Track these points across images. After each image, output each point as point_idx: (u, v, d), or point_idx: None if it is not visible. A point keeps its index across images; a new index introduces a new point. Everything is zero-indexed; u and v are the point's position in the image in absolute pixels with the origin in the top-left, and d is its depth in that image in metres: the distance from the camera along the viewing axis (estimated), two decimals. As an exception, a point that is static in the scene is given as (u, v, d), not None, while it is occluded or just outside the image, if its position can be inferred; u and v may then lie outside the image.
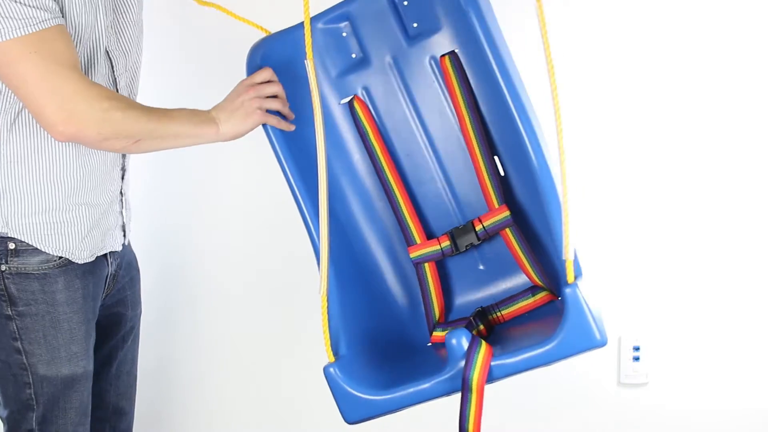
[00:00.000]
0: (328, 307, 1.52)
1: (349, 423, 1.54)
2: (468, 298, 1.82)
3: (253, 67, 1.71)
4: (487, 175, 1.75)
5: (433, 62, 1.80)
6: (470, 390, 1.46)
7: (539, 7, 1.49)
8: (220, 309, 2.44)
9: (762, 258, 2.34)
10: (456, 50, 1.77)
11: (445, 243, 1.78)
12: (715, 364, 2.37)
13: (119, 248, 1.76)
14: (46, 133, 1.57)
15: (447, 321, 1.79)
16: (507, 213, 1.75)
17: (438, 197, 1.82)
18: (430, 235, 1.82)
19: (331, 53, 1.79)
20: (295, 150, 1.68)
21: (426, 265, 1.79)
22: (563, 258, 1.47)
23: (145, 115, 1.56)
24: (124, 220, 1.78)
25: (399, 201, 1.79)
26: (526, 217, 1.77)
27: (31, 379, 1.60)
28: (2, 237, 1.57)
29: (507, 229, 1.75)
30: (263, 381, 2.45)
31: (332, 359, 1.53)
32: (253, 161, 2.23)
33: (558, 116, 1.46)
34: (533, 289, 1.75)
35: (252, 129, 1.67)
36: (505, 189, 1.77)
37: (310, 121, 1.50)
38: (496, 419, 2.40)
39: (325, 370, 1.53)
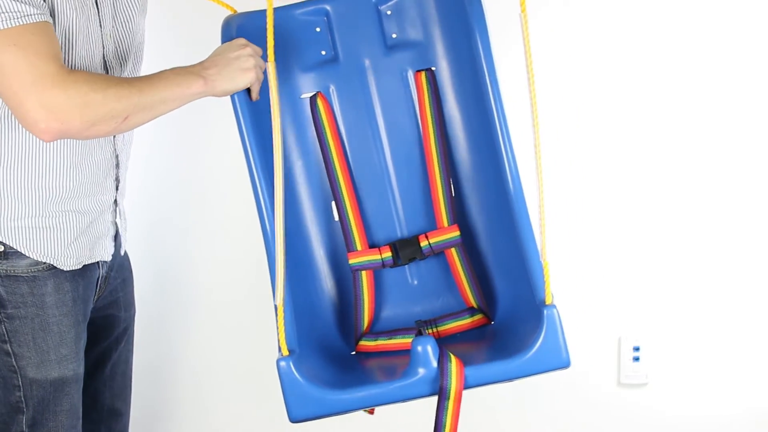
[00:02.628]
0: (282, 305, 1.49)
1: (294, 420, 1.50)
2: (396, 311, 1.81)
3: (228, 37, 1.67)
4: (442, 193, 1.76)
5: (405, 74, 1.79)
6: (447, 398, 1.46)
7: (523, 15, 1.49)
8: (216, 309, 2.44)
9: (762, 259, 2.33)
10: (434, 68, 1.77)
11: (387, 254, 1.77)
12: (715, 365, 2.36)
13: (109, 258, 1.73)
14: (34, 137, 1.55)
15: (373, 332, 1.77)
16: (457, 233, 1.76)
17: (385, 208, 1.81)
18: (371, 244, 1.80)
19: (302, 45, 1.76)
20: (258, 134, 1.63)
21: (363, 273, 1.77)
22: (540, 260, 1.53)
23: (125, 90, 1.49)
24: (119, 230, 1.76)
25: (346, 205, 1.77)
26: (474, 239, 1.78)
27: (20, 382, 1.60)
28: None
29: (453, 249, 1.76)
30: (259, 381, 2.45)
31: (286, 353, 1.50)
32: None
33: (535, 117, 1.46)
34: (471, 310, 1.75)
35: (245, 87, 1.60)
36: (455, 210, 1.78)
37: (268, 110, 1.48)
38: (495, 419, 2.40)
39: (278, 363, 1.49)
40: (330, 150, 1.78)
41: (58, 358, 1.61)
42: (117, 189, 1.73)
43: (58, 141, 1.57)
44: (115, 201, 1.73)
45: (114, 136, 1.67)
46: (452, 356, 1.48)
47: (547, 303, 1.51)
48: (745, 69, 2.27)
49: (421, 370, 1.48)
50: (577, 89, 2.29)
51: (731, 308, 2.34)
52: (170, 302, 2.44)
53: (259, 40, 1.65)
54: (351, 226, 1.77)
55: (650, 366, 2.36)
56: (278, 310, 1.48)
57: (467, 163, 1.77)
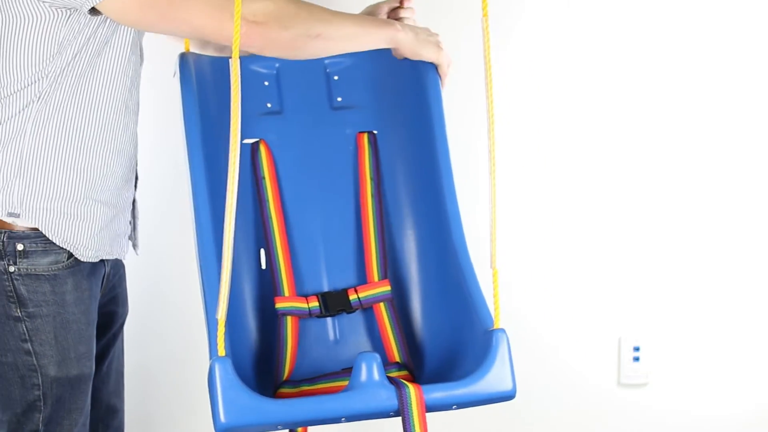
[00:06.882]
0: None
1: (222, 429, 1.39)
2: (317, 363, 1.75)
3: (187, 71, 1.68)
4: (375, 248, 1.76)
5: (347, 133, 1.81)
6: (412, 425, 1.40)
7: (485, 19, 1.49)
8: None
9: (761, 258, 2.35)
10: (376, 131, 1.80)
11: (314, 303, 1.74)
12: (715, 365, 2.38)
13: (124, 257, 1.74)
14: (80, 117, 1.56)
15: (292, 380, 1.71)
16: (387, 287, 1.74)
17: (316, 259, 1.79)
18: (299, 293, 1.77)
19: (249, 94, 1.80)
20: (209, 159, 1.64)
21: (289, 318, 1.73)
22: (491, 267, 1.49)
23: (317, 9, 1.57)
24: (135, 231, 1.76)
25: (278, 251, 1.76)
26: (403, 294, 1.76)
27: (40, 381, 1.58)
28: (11, 237, 1.55)
29: (381, 303, 1.75)
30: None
31: (223, 353, 1.41)
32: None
33: (492, 124, 1.46)
34: (396, 365, 1.72)
35: (431, 59, 1.68)
36: (387, 265, 1.78)
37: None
38: (494, 419, 2.40)
39: (213, 363, 1.40)
40: (267, 196, 1.77)
41: (77, 355, 1.60)
42: (135, 187, 1.73)
43: (104, 127, 1.59)
44: (134, 201, 1.74)
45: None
46: (412, 390, 1.42)
47: (495, 327, 1.47)
48: (739, 72, 2.30)
49: (371, 382, 1.42)
50: (579, 91, 2.30)
51: (731, 308, 2.36)
52: (168, 298, 2.42)
53: (215, 84, 1.72)
54: (281, 272, 1.75)
55: (650, 366, 2.38)
56: (219, 323, 1.41)
57: (403, 215, 1.77)
